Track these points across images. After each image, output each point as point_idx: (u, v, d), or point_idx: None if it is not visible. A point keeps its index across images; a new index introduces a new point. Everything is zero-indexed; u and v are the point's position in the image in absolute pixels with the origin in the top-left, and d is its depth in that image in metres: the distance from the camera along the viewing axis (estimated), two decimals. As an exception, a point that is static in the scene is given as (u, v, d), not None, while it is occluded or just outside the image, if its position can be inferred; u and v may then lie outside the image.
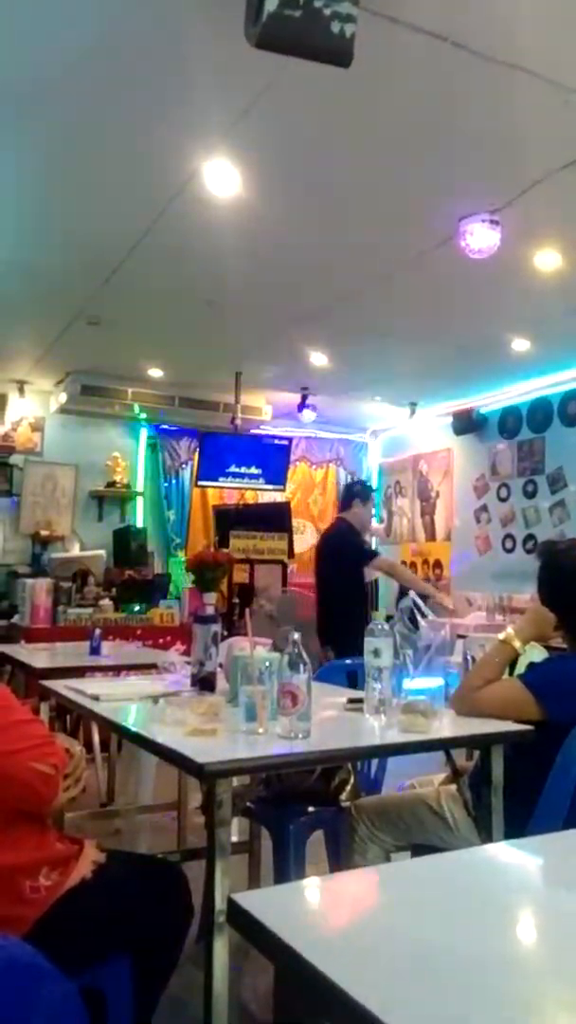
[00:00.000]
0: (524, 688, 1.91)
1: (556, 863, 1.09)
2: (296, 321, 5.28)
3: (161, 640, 4.54)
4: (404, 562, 8.35)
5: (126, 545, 7.05)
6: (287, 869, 2.09)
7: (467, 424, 7.47)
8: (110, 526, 7.49)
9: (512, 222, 3.67)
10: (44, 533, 7.16)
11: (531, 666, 2.06)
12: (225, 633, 2.71)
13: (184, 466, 7.99)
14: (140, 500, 7.86)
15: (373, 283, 4.56)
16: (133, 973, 1.53)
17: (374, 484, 9.06)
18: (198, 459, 7.62)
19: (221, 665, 2.25)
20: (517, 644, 2.03)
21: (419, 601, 2.03)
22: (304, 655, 1.72)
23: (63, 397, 6.89)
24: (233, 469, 7.61)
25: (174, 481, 7.99)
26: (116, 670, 3.15)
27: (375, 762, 2.58)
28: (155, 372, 6.78)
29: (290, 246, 4.13)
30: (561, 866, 1.09)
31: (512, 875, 1.07)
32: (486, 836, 1.84)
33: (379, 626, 1.94)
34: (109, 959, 1.51)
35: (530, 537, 6.87)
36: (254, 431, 7.74)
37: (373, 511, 4.94)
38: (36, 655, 3.42)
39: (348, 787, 2.26)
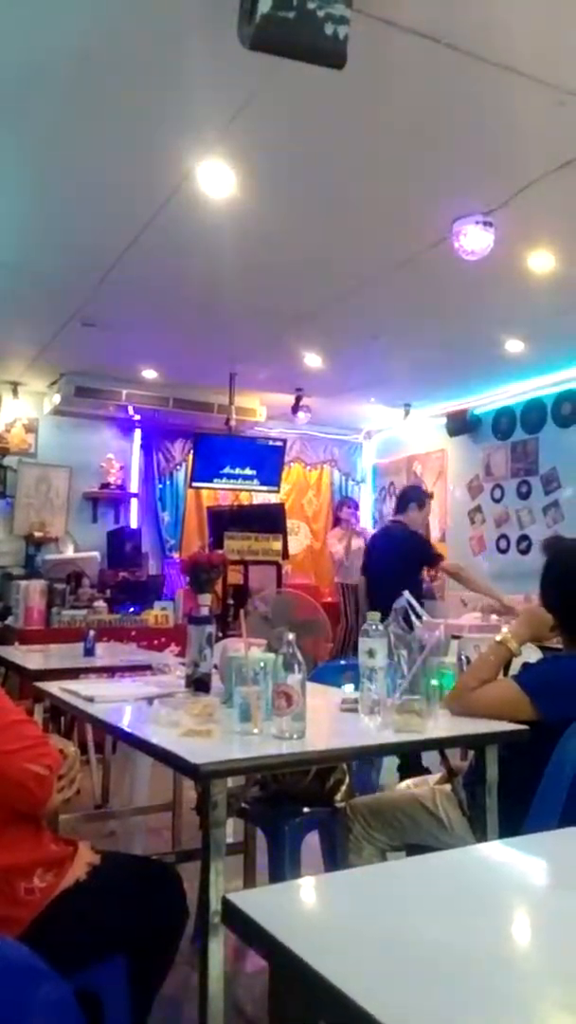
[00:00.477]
0: (519, 688, 1.91)
1: (550, 862, 1.10)
2: (290, 322, 5.29)
3: (156, 641, 4.53)
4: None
5: (120, 546, 7.05)
6: (282, 870, 2.09)
7: (461, 425, 7.49)
8: (104, 527, 7.49)
9: (506, 223, 3.68)
10: (38, 534, 7.15)
11: (525, 666, 2.06)
12: (220, 634, 2.71)
13: (178, 467, 7.99)
14: (134, 501, 7.86)
15: (367, 284, 4.57)
16: (128, 974, 1.53)
17: (369, 484, 9.08)
18: (192, 460, 7.62)
19: (216, 666, 2.25)
20: (513, 645, 2.04)
21: (413, 601, 2.03)
22: (299, 655, 1.72)
23: (57, 398, 6.88)
24: (227, 470, 7.61)
25: (168, 482, 7.98)
26: (110, 671, 3.14)
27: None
28: (149, 373, 6.77)
29: (284, 247, 4.14)
30: (555, 865, 1.09)
31: (506, 874, 1.07)
32: (481, 836, 1.84)
33: (373, 626, 1.94)
34: (104, 960, 1.51)
35: (524, 538, 6.88)
36: (248, 432, 7.75)
37: (427, 519, 4.95)
38: (30, 657, 3.41)
39: (343, 787, 2.26)
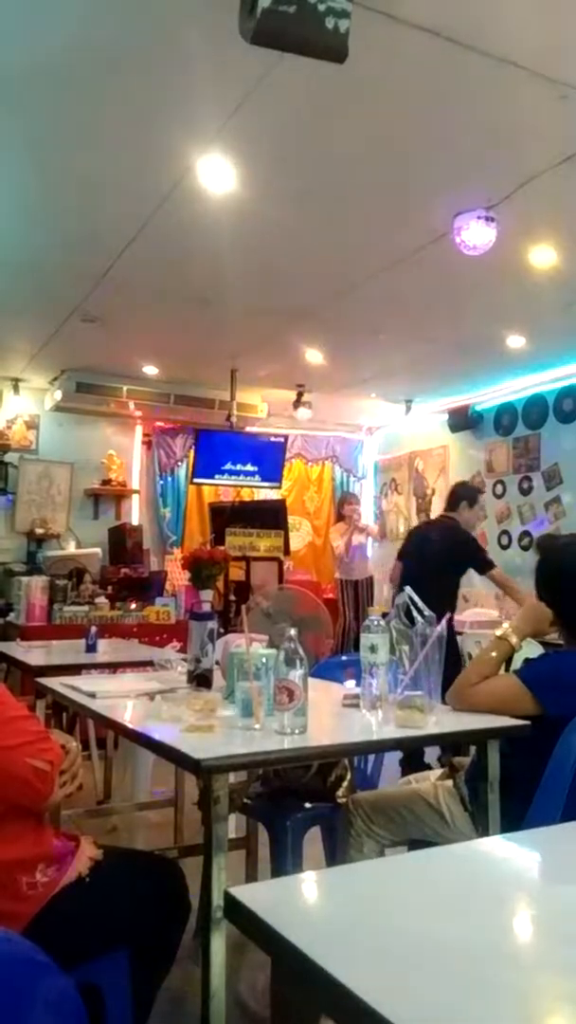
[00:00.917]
0: (520, 683, 1.92)
1: (552, 856, 1.10)
2: (291, 318, 5.28)
3: (157, 637, 4.54)
4: (400, 559, 8.36)
5: (122, 543, 7.05)
6: (284, 865, 2.09)
7: (463, 421, 7.48)
8: (106, 524, 7.49)
9: (508, 218, 3.67)
10: (40, 531, 7.15)
11: (527, 662, 2.07)
12: (221, 630, 2.71)
13: (180, 464, 7.99)
14: (136, 498, 7.86)
15: (368, 280, 4.56)
16: (131, 968, 1.53)
17: (371, 481, 9.08)
18: (194, 457, 7.63)
19: (218, 662, 2.25)
20: (514, 640, 2.04)
21: (415, 597, 2.03)
22: (300, 651, 1.72)
23: (58, 395, 6.87)
24: (229, 467, 7.62)
25: (170, 479, 7.99)
26: (112, 667, 3.15)
27: (372, 757, 2.58)
28: (150, 369, 6.77)
29: (285, 242, 4.13)
30: (557, 859, 1.09)
31: (508, 868, 1.07)
32: (483, 831, 1.85)
33: (375, 622, 1.94)
34: (106, 955, 1.51)
35: (526, 534, 6.88)
36: (250, 428, 7.74)
37: (481, 513, 4.87)
38: (32, 653, 3.42)
39: (345, 783, 2.27)
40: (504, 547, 7.09)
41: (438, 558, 4.55)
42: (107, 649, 3.47)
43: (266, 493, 8.01)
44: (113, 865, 1.65)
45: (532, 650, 2.22)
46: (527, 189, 3.44)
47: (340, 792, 2.24)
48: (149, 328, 5.71)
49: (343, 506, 7.74)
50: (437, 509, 8.01)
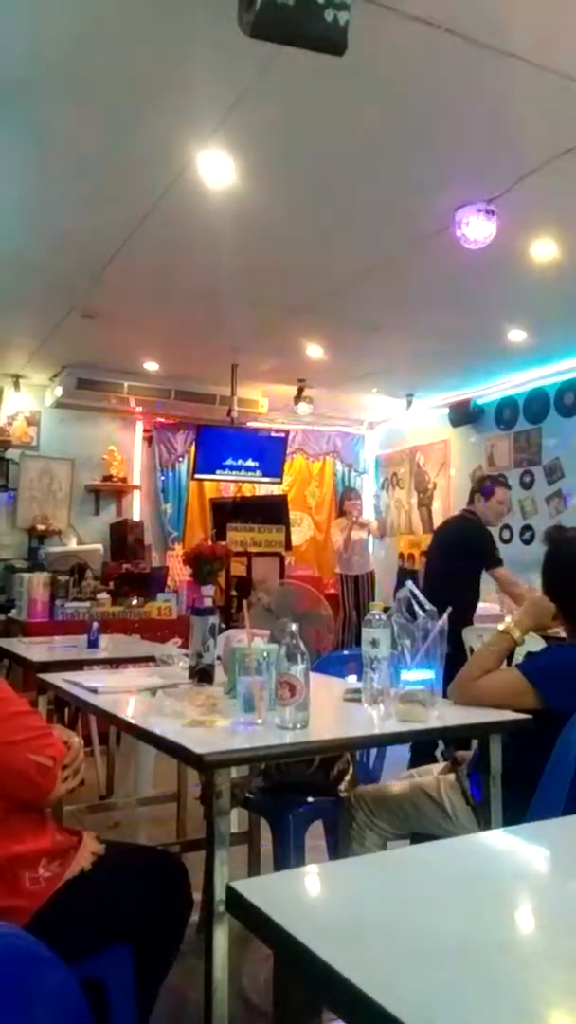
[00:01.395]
0: (522, 677, 1.92)
1: (554, 850, 1.10)
2: (292, 313, 5.27)
3: (159, 633, 4.54)
4: (401, 554, 8.37)
5: (123, 539, 7.05)
6: (286, 859, 2.09)
7: (464, 415, 7.47)
8: (107, 520, 7.49)
9: (508, 211, 3.66)
10: (41, 527, 7.16)
11: (529, 655, 2.06)
12: (223, 626, 2.71)
13: (181, 459, 7.98)
14: (137, 494, 7.86)
15: (369, 273, 4.55)
16: (134, 963, 1.54)
17: (372, 475, 9.07)
18: (195, 452, 7.62)
19: (219, 657, 2.25)
20: (516, 634, 2.04)
21: (416, 591, 2.02)
22: (302, 646, 1.72)
23: (59, 391, 6.87)
24: (230, 462, 7.61)
25: (171, 474, 7.98)
26: (114, 663, 3.15)
27: (373, 752, 2.58)
28: (151, 365, 6.76)
29: (285, 236, 4.12)
30: (559, 852, 1.09)
31: (510, 861, 1.07)
32: (485, 825, 1.85)
33: (376, 616, 1.94)
34: (109, 950, 1.52)
35: (527, 528, 6.88)
36: (251, 424, 7.74)
37: (501, 507, 4.64)
38: (34, 649, 3.42)
39: (347, 777, 2.27)
40: (506, 541, 7.08)
41: (448, 553, 4.49)
42: (109, 645, 3.47)
43: (267, 488, 8.00)
44: (115, 860, 1.66)
45: (534, 644, 2.22)
46: (528, 182, 3.43)
47: (342, 786, 2.24)
48: (149, 323, 5.71)
49: (344, 501, 7.74)
50: (438, 504, 8.02)
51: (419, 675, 1.89)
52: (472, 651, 3.75)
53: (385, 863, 1.19)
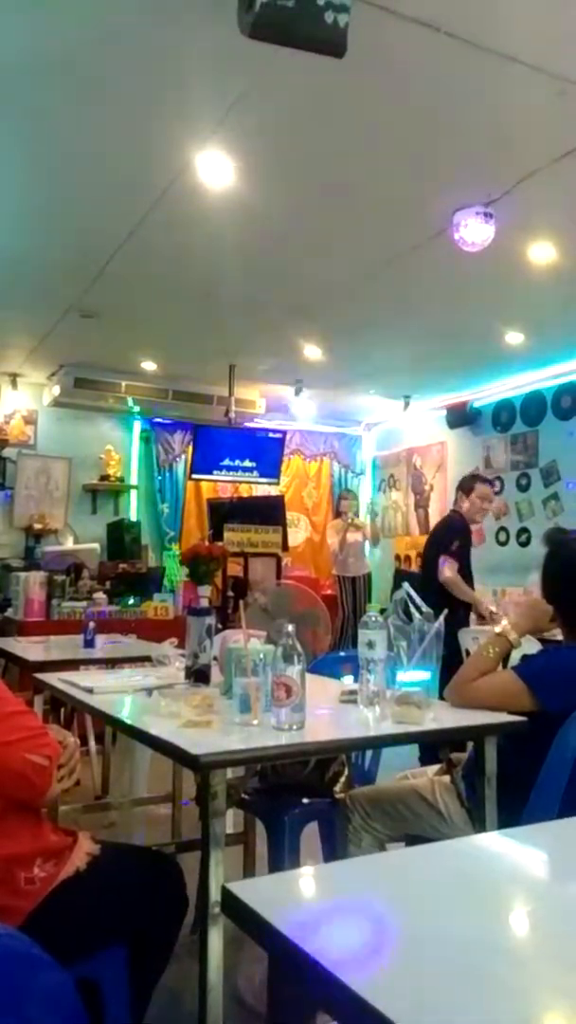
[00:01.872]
0: (519, 680, 1.92)
1: (549, 852, 1.10)
2: (290, 314, 5.27)
3: (155, 633, 4.53)
4: (398, 556, 8.37)
5: (120, 538, 7.05)
6: (281, 860, 2.09)
7: (461, 417, 7.48)
8: (104, 519, 7.48)
9: (506, 214, 3.66)
10: (37, 526, 7.15)
11: (525, 658, 2.06)
12: (219, 626, 2.71)
13: (178, 459, 7.98)
14: (134, 493, 7.85)
15: (367, 275, 4.56)
16: (128, 963, 1.53)
17: (369, 477, 9.07)
18: (192, 452, 7.62)
19: (216, 658, 2.25)
20: (513, 637, 2.04)
21: (413, 593, 2.03)
22: (298, 647, 1.72)
23: (56, 390, 6.87)
24: (227, 462, 7.61)
25: (168, 474, 7.98)
26: (110, 663, 3.14)
27: (369, 753, 2.58)
28: (148, 365, 6.76)
29: (283, 238, 4.12)
30: (554, 855, 1.09)
31: (505, 864, 1.07)
32: (480, 827, 1.85)
33: (373, 618, 1.94)
34: (104, 950, 1.51)
35: (524, 530, 6.89)
36: (248, 424, 7.74)
37: (483, 503, 4.75)
38: (30, 648, 3.42)
39: (342, 779, 2.27)
40: (502, 544, 7.10)
41: (427, 550, 4.67)
42: (105, 645, 3.47)
43: (264, 489, 8.00)
44: (111, 860, 1.65)
45: (531, 647, 2.22)
46: (526, 185, 3.44)
47: (338, 787, 2.25)
48: (148, 323, 5.71)
49: (340, 502, 7.74)
50: (435, 505, 8.02)
51: (415, 677, 1.89)
52: (468, 653, 3.75)
53: (380, 865, 1.19)
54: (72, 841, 1.64)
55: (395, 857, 1.29)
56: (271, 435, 7.95)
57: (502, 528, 7.13)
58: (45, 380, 7.12)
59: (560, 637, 2.12)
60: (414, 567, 7.73)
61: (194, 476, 7.69)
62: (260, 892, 0.89)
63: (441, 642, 1.97)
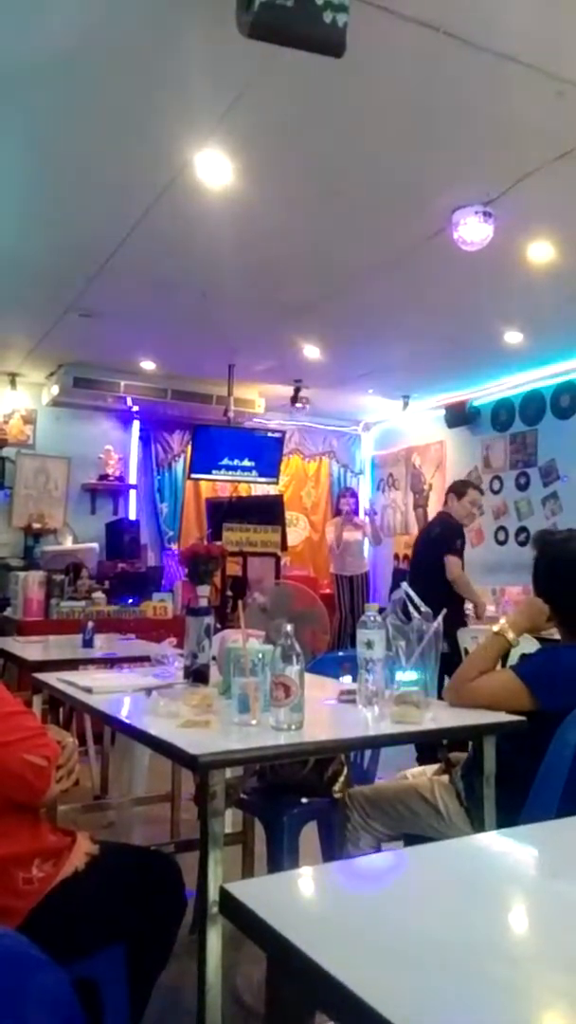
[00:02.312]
0: (517, 679, 1.92)
1: (547, 851, 1.10)
2: (289, 313, 5.27)
3: (154, 633, 4.53)
4: (397, 555, 8.37)
5: (119, 538, 7.05)
6: (280, 860, 2.09)
7: (460, 417, 7.48)
8: (103, 519, 7.48)
9: (505, 213, 3.66)
10: (36, 526, 7.15)
11: (524, 657, 2.07)
12: (218, 626, 2.70)
13: (177, 459, 7.98)
14: (133, 493, 7.85)
15: (366, 275, 4.56)
16: (127, 963, 1.53)
17: (368, 476, 9.07)
18: (191, 452, 7.62)
19: (214, 658, 2.25)
20: (511, 636, 2.04)
21: (412, 593, 2.03)
22: (297, 647, 1.72)
23: (55, 389, 6.86)
24: (226, 462, 7.61)
25: (167, 474, 7.98)
26: (109, 663, 3.14)
27: (368, 753, 2.58)
28: (147, 364, 6.76)
29: (282, 237, 4.12)
30: (552, 854, 1.09)
31: (504, 863, 1.07)
32: (478, 826, 1.85)
33: (371, 617, 1.94)
34: (103, 950, 1.52)
35: (523, 530, 6.89)
36: (247, 424, 7.73)
37: (472, 508, 4.91)
38: (29, 648, 3.42)
39: (341, 778, 2.27)
40: (501, 543, 7.10)
41: (425, 550, 4.72)
42: (104, 644, 3.47)
43: (263, 488, 8.00)
44: (109, 860, 1.65)
45: (529, 646, 2.22)
46: (525, 185, 3.44)
47: (336, 787, 2.25)
48: (146, 323, 5.71)
49: (340, 500, 7.74)
50: (434, 504, 8.02)
51: (414, 676, 1.89)
52: (467, 653, 3.75)
53: (378, 865, 1.19)
54: (71, 841, 1.64)
55: (394, 857, 1.29)
56: (270, 434, 7.95)
57: (501, 527, 7.14)
58: (44, 380, 7.12)
59: (558, 636, 2.13)
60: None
61: (193, 475, 7.69)
62: (258, 892, 0.89)
63: (440, 642, 1.97)
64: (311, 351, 6.20)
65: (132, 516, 7.73)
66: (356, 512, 7.64)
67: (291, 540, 8.01)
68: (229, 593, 6.32)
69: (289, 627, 1.74)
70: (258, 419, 7.80)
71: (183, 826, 3.11)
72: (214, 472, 7.66)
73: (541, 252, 4.18)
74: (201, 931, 1.45)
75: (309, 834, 2.26)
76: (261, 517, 6.86)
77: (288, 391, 7.25)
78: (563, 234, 4.00)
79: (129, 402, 7.09)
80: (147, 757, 3.41)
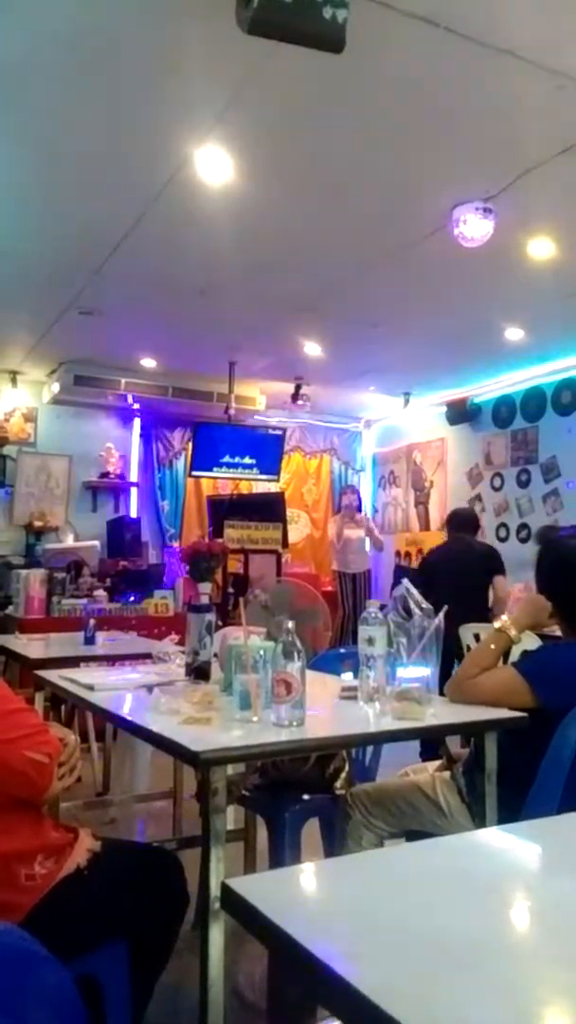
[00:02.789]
0: (519, 676, 1.92)
1: (548, 847, 1.10)
2: (289, 310, 5.27)
3: (156, 630, 4.54)
4: (398, 552, 8.37)
5: (120, 536, 7.05)
6: (282, 856, 2.09)
7: (461, 414, 7.48)
8: (104, 517, 7.48)
9: (506, 209, 3.66)
10: (38, 524, 7.15)
11: (525, 654, 2.07)
12: (220, 623, 2.71)
13: (178, 456, 7.98)
14: (134, 490, 7.85)
15: (366, 271, 4.55)
16: (129, 960, 1.54)
17: (369, 473, 9.07)
18: (192, 449, 7.61)
19: (216, 655, 2.25)
20: (513, 633, 2.04)
21: (412, 589, 2.03)
22: (298, 643, 1.72)
23: (56, 387, 6.86)
24: (227, 459, 7.60)
25: (168, 471, 7.98)
26: (110, 660, 3.15)
27: (369, 750, 2.58)
28: (148, 362, 6.76)
29: (283, 234, 4.12)
30: (553, 850, 1.09)
31: (505, 859, 1.07)
32: (480, 822, 1.85)
33: (372, 614, 1.94)
34: (105, 946, 1.52)
35: (524, 526, 6.89)
36: (248, 421, 7.73)
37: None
38: (31, 646, 3.42)
39: (343, 775, 2.27)
40: (502, 540, 7.09)
41: (480, 577, 4.90)
42: (105, 642, 3.47)
43: (264, 486, 8.00)
44: (111, 857, 1.66)
45: (531, 642, 2.23)
46: (526, 180, 3.43)
47: (338, 784, 2.25)
48: (147, 320, 5.70)
49: (343, 497, 7.74)
50: (435, 502, 8.02)
51: (415, 673, 1.89)
52: (469, 649, 3.75)
53: (380, 861, 1.19)
54: (73, 838, 1.65)
55: (395, 853, 1.29)
56: (271, 432, 7.95)
57: (502, 524, 7.13)
58: (45, 377, 7.12)
59: (559, 633, 2.12)
60: (414, 563, 7.73)
61: (194, 473, 7.69)
62: (260, 888, 0.89)
63: (441, 638, 1.97)
64: (312, 348, 6.20)
65: (133, 514, 7.73)
66: (360, 509, 7.63)
67: (292, 537, 8.01)
68: (230, 590, 6.32)
69: (290, 624, 1.74)
70: (259, 416, 7.80)
71: (185, 823, 3.12)
72: (215, 469, 7.65)
73: (542, 248, 4.17)
74: (203, 927, 1.46)
75: (311, 831, 2.26)
76: (262, 514, 6.86)
77: (289, 388, 7.24)
78: (564, 230, 4.00)
79: (130, 400, 7.09)
80: (149, 754, 3.43)
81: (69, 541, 6.99)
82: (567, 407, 6.53)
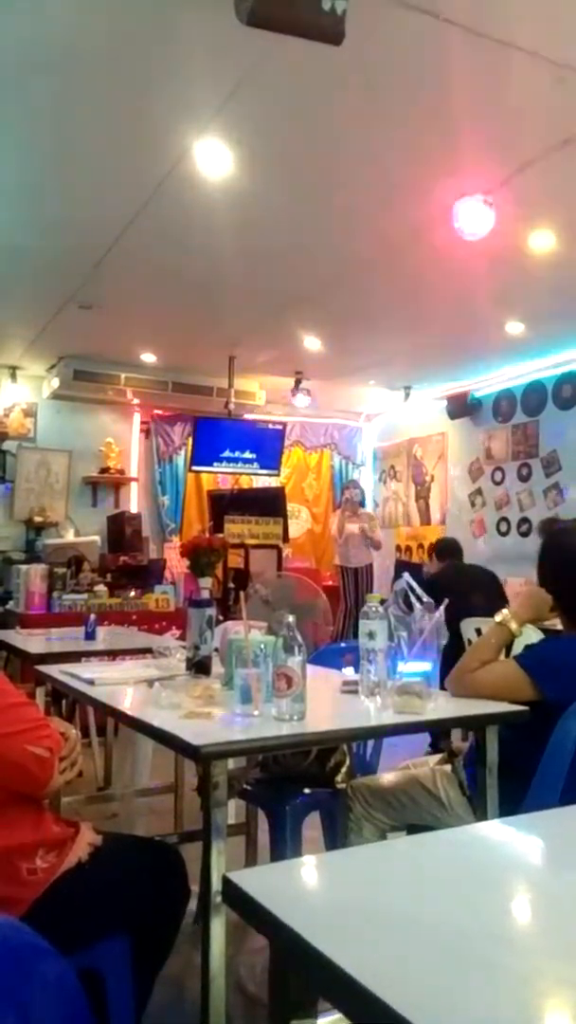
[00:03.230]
0: (520, 669, 1.92)
1: (549, 840, 1.10)
2: (289, 304, 5.26)
3: (156, 625, 4.55)
4: (399, 547, 8.38)
5: (120, 531, 7.05)
6: (283, 850, 2.10)
7: (461, 408, 7.47)
8: (104, 512, 7.49)
9: (507, 203, 3.65)
10: (38, 519, 7.15)
11: (527, 647, 2.07)
12: (220, 618, 2.71)
13: (178, 451, 7.98)
14: (134, 486, 7.85)
15: (367, 265, 4.54)
16: (131, 953, 1.54)
17: (370, 468, 9.06)
18: (192, 444, 7.62)
19: (217, 649, 2.25)
20: (514, 626, 2.04)
21: (413, 583, 2.02)
22: (299, 638, 1.72)
23: (55, 382, 6.86)
24: (227, 454, 7.61)
25: (168, 466, 7.98)
26: (111, 655, 3.15)
27: (370, 744, 2.59)
28: (148, 357, 6.75)
29: (282, 227, 4.11)
30: (554, 843, 1.09)
31: (506, 852, 1.07)
32: (481, 815, 1.85)
33: (373, 608, 1.94)
34: (106, 940, 1.52)
35: (524, 520, 6.89)
36: (248, 416, 7.72)
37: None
38: (31, 641, 3.42)
39: (343, 768, 2.27)
40: (503, 534, 7.10)
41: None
42: (106, 637, 3.47)
43: (265, 480, 8.00)
44: (113, 851, 1.66)
45: (532, 636, 2.22)
46: (526, 173, 3.42)
47: (339, 777, 2.25)
48: (147, 315, 5.70)
49: (344, 491, 7.73)
50: (436, 496, 8.02)
51: (416, 667, 1.89)
52: (470, 643, 3.75)
53: (381, 854, 1.19)
54: (74, 832, 1.65)
55: (396, 846, 1.29)
56: (271, 426, 7.94)
57: (503, 518, 7.13)
58: (44, 373, 7.12)
59: (560, 626, 2.12)
60: (415, 558, 7.74)
61: (194, 468, 7.69)
62: (261, 881, 0.89)
63: (442, 632, 1.97)
64: (312, 342, 6.19)
65: (134, 509, 7.73)
66: (363, 504, 7.62)
67: (292, 532, 8.02)
68: (231, 585, 6.33)
69: (291, 618, 1.74)
70: (259, 411, 7.79)
71: (186, 817, 3.12)
72: (215, 464, 7.65)
73: (543, 241, 4.16)
74: (205, 920, 1.46)
75: (312, 824, 2.26)
76: (263, 509, 6.87)
77: (289, 383, 7.24)
78: (565, 223, 3.99)
79: (130, 395, 7.08)
80: (150, 748, 3.42)
81: (69, 536, 7.00)
82: (568, 401, 6.52)
